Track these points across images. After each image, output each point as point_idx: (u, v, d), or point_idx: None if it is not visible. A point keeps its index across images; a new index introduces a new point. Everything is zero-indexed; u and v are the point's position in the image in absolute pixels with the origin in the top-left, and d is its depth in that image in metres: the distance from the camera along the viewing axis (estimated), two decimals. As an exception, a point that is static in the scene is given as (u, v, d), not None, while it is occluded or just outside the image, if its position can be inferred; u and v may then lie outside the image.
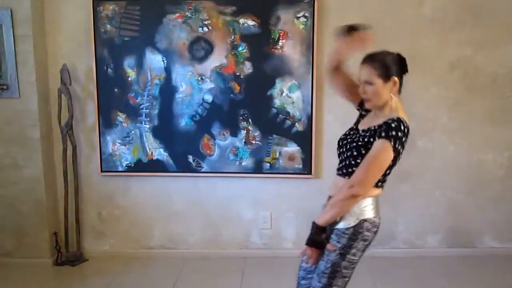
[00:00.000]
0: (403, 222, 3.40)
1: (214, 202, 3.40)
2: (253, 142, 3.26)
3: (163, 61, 3.21)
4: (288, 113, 3.22)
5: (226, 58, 3.19)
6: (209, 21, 3.16)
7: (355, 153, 1.81)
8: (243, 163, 3.30)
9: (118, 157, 3.33)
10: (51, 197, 3.33)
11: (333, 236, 1.84)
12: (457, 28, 3.18)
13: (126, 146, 3.32)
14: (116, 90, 3.26)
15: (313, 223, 1.83)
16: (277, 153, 3.27)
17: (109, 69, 3.23)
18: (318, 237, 1.83)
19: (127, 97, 3.26)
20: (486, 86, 3.25)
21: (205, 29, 3.17)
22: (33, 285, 3.05)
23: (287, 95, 3.21)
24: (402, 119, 1.75)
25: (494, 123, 3.28)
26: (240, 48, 3.18)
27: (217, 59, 3.19)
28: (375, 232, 1.87)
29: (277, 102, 3.22)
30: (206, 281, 3.08)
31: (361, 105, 2.01)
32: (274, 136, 3.25)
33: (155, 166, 3.32)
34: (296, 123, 3.24)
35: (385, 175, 1.83)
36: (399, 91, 1.85)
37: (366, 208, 1.83)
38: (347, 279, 1.87)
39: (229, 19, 3.15)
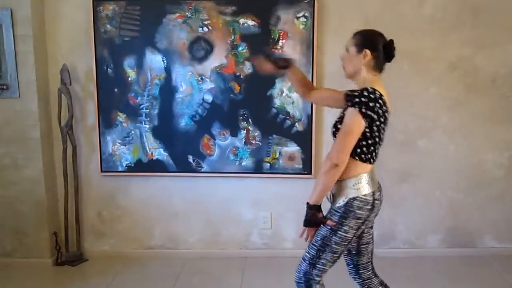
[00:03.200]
0: (403, 222, 3.40)
1: (214, 202, 3.40)
2: (253, 142, 3.26)
3: (163, 61, 3.21)
4: (288, 113, 3.22)
5: (226, 58, 3.19)
6: (209, 21, 3.16)
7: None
8: (243, 163, 3.30)
9: (118, 157, 3.33)
10: (51, 197, 3.33)
11: (328, 214, 1.94)
12: (457, 28, 3.18)
13: (126, 146, 3.32)
14: (116, 90, 3.26)
15: (307, 203, 1.90)
16: (277, 153, 3.27)
17: (109, 69, 3.23)
18: (314, 217, 1.90)
19: (127, 97, 3.26)
20: (486, 86, 3.25)
21: (205, 29, 3.17)
22: (33, 285, 3.05)
23: (287, 95, 3.21)
24: (368, 88, 1.83)
25: (494, 123, 3.28)
26: (240, 48, 3.18)
27: (217, 59, 3.19)
28: (370, 210, 1.91)
29: (277, 102, 3.22)
30: (206, 281, 3.08)
31: None
32: (274, 136, 3.25)
33: (155, 166, 3.32)
34: (296, 123, 3.24)
35: (368, 146, 1.87)
36: (377, 68, 1.95)
37: (355, 187, 1.88)
38: (337, 255, 1.94)
39: (229, 19, 3.15)
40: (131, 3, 3.15)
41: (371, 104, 1.80)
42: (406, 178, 3.35)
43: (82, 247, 3.44)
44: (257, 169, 3.30)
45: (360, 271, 2.12)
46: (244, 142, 3.27)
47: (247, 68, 3.19)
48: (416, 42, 3.19)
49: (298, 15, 3.13)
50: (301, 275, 1.97)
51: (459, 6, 3.16)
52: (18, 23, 3.04)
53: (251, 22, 3.16)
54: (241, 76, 3.20)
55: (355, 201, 1.88)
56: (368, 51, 1.92)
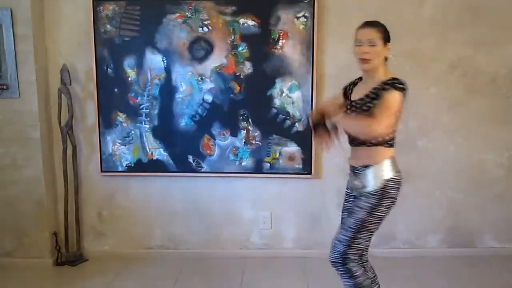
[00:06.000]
0: (403, 222, 3.40)
1: (214, 202, 3.40)
2: (253, 142, 3.26)
3: (163, 61, 3.21)
4: (288, 113, 3.22)
5: (226, 58, 3.19)
6: (209, 21, 3.16)
7: None
8: (243, 163, 3.30)
9: (118, 157, 3.33)
10: (51, 197, 3.33)
11: (362, 198, 2.10)
12: (457, 28, 3.18)
13: (126, 146, 3.32)
14: (116, 90, 3.26)
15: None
16: (277, 153, 3.27)
17: (109, 69, 3.23)
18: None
19: (127, 97, 3.26)
20: (486, 86, 3.25)
21: (205, 29, 3.17)
22: (33, 285, 3.05)
23: (287, 95, 3.21)
24: (399, 78, 2.00)
25: (494, 123, 3.28)
26: (240, 48, 3.18)
27: (217, 59, 3.19)
28: (399, 188, 2.11)
29: (277, 102, 3.22)
30: (206, 281, 3.08)
31: (345, 93, 2.27)
32: (274, 136, 3.25)
33: (155, 166, 3.32)
34: (296, 123, 3.24)
35: (394, 132, 2.10)
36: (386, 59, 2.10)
37: (386, 169, 2.09)
38: (371, 232, 2.11)
39: (229, 19, 3.15)
40: (131, 3, 3.15)
41: (405, 92, 2.00)
42: (406, 178, 3.30)
43: (82, 247, 3.44)
44: (257, 169, 3.30)
45: None
46: (244, 142, 3.27)
47: (247, 68, 3.19)
48: (416, 42, 3.19)
49: (298, 15, 3.13)
50: (338, 256, 2.10)
51: (459, 6, 3.16)
52: (18, 23, 3.04)
53: (251, 22, 3.16)
54: (241, 76, 3.20)
55: (390, 182, 2.08)
56: (389, 45, 2.08)
